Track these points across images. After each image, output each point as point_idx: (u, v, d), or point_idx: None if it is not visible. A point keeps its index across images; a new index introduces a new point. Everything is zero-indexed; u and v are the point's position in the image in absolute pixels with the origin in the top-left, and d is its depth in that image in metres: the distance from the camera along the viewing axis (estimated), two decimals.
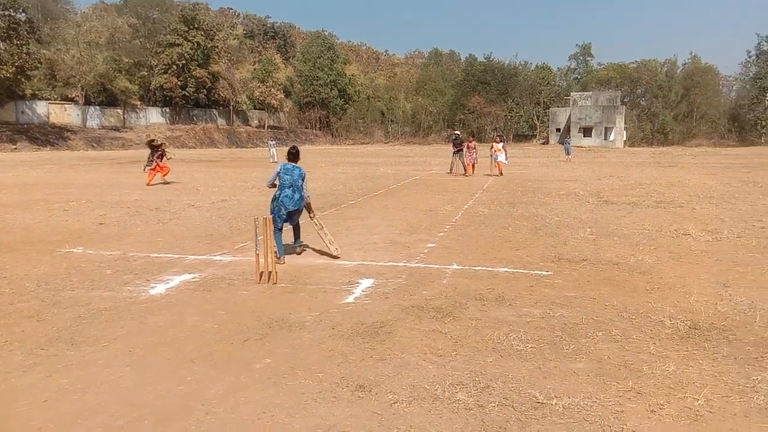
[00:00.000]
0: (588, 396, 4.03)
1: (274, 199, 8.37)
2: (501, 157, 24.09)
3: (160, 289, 6.95)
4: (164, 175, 21.06)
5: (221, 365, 4.64)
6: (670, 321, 5.57)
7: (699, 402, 3.91)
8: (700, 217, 12.34)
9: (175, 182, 21.06)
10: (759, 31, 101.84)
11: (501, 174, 23.92)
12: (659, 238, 9.93)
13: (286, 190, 8.26)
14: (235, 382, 4.33)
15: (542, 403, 3.92)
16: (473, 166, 24.95)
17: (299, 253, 8.74)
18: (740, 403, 3.91)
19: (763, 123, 73.26)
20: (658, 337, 5.16)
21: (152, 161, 21.47)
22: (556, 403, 3.91)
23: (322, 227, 8.62)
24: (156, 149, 21.28)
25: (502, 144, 24.39)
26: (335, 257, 8.43)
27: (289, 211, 8.30)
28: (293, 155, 8.56)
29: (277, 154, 36.05)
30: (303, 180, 8.36)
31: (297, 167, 8.37)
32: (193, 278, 7.43)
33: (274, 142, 37.90)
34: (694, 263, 8.09)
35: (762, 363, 4.58)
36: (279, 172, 8.36)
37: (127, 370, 4.55)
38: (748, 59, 77.81)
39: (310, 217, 8.69)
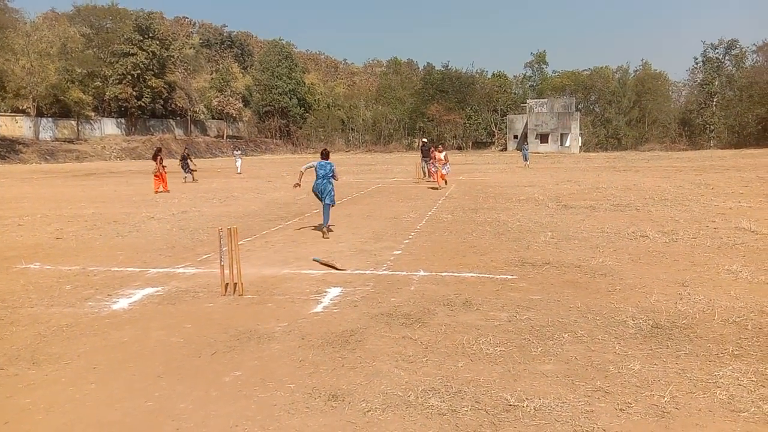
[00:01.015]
0: (558, 397, 4.09)
1: (314, 185, 11.46)
2: (445, 169, 22.06)
3: (122, 303, 6.80)
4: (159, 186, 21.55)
5: (189, 379, 4.56)
6: (633, 321, 5.71)
7: (665, 399, 4.02)
8: (657, 219, 12.68)
9: (133, 194, 20.62)
10: (704, 39, 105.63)
11: (445, 184, 22.17)
12: (618, 241, 10.17)
13: (320, 179, 11.36)
14: (205, 396, 4.26)
15: (514, 406, 3.97)
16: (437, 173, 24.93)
17: (326, 232, 11.12)
18: (704, 399, 4.02)
19: (711, 127, 75.71)
20: (623, 337, 5.28)
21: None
22: (527, 405, 3.96)
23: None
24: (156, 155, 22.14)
25: (444, 153, 22.28)
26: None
27: (321, 192, 11.33)
28: (325, 154, 11.72)
29: (242, 166, 35.64)
30: (333, 171, 11.44)
31: (329, 163, 11.48)
32: (157, 292, 7.29)
33: (239, 152, 37.26)
34: (653, 264, 8.31)
35: (722, 359, 4.73)
36: (315, 166, 11.46)
37: (92, 388, 4.43)
38: (695, 65, 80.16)
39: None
